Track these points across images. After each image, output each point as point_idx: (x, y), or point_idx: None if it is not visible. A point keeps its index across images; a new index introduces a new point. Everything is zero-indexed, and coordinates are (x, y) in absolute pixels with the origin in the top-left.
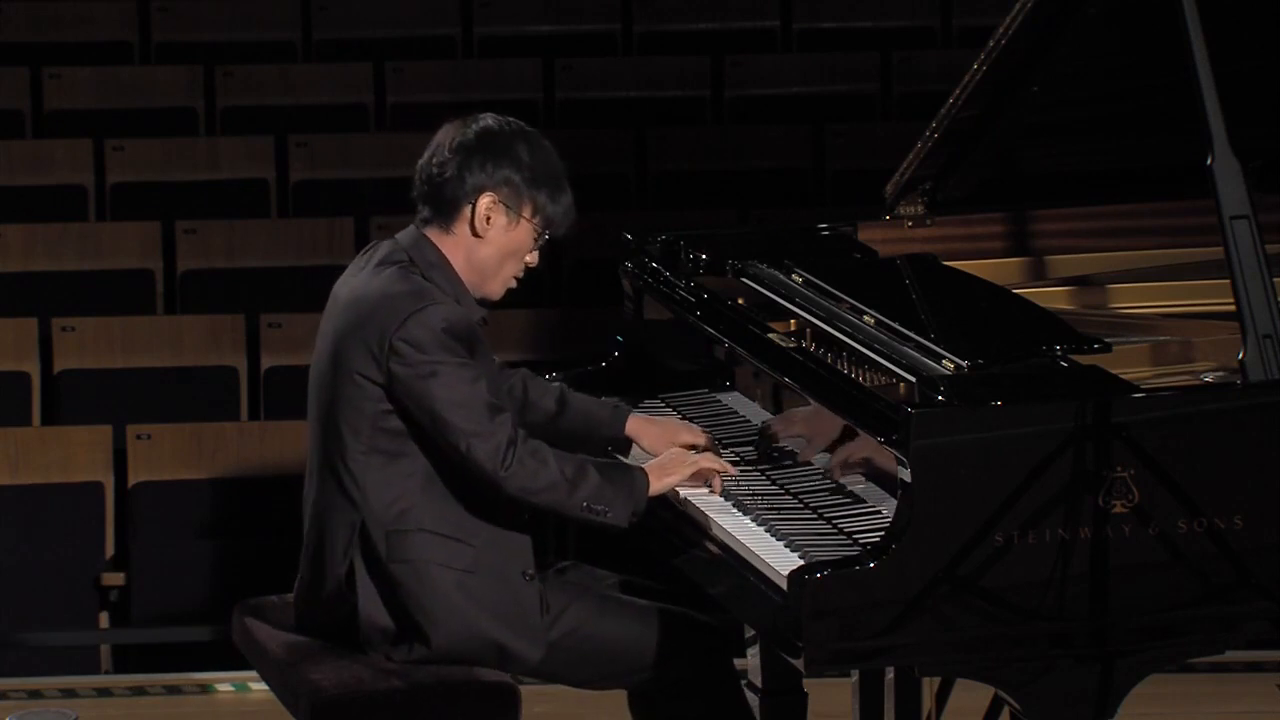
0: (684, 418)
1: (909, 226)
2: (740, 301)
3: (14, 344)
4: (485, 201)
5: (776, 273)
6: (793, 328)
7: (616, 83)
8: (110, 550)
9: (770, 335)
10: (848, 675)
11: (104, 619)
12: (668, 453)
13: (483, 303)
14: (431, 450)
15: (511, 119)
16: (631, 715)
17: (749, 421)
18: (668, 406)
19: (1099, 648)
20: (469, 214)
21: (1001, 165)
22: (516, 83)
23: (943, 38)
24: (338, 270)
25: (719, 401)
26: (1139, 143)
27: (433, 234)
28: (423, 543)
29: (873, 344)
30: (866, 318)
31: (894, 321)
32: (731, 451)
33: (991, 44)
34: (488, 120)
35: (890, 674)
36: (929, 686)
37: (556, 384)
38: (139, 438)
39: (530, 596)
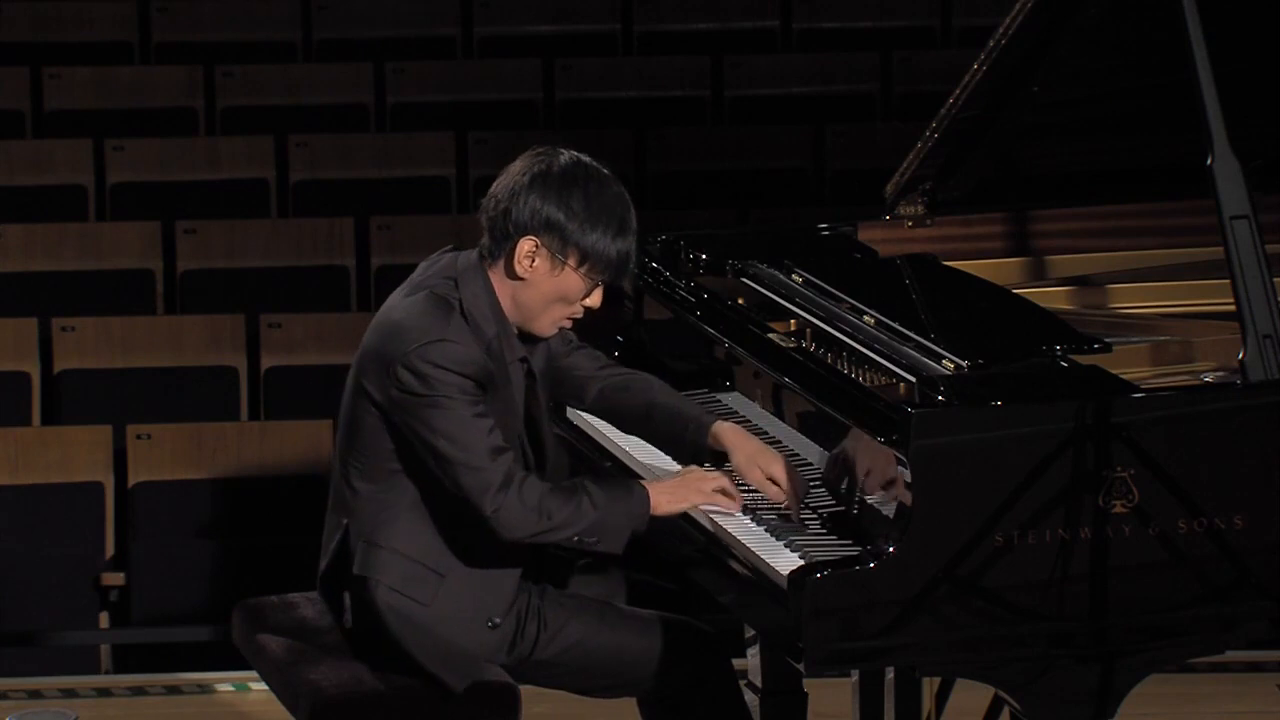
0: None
1: (909, 226)
2: (740, 301)
3: (14, 344)
4: (526, 245)
5: (776, 273)
6: (793, 328)
7: (616, 83)
8: (110, 550)
9: (770, 335)
10: (848, 675)
11: (104, 619)
12: (681, 475)
13: (530, 339)
14: (424, 477)
15: (585, 158)
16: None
17: (749, 421)
18: None
19: (1099, 648)
20: (511, 253)
21: (1001, 165)
22: (516, 83)
23: (943, 38)
24: (338, 270)
25: (719, 401)
26: (1139, 143)
27: (486, 264)
28: (386, 562)
29: (873, 344)
30: (866, 318)
31: (894, 321)
32: None
33: (991, 44)
34: (554, 158)
35: (890, 674)
36: (929, 686)
37: (648, 385)
38: (139, 438)
39: (485, 643)
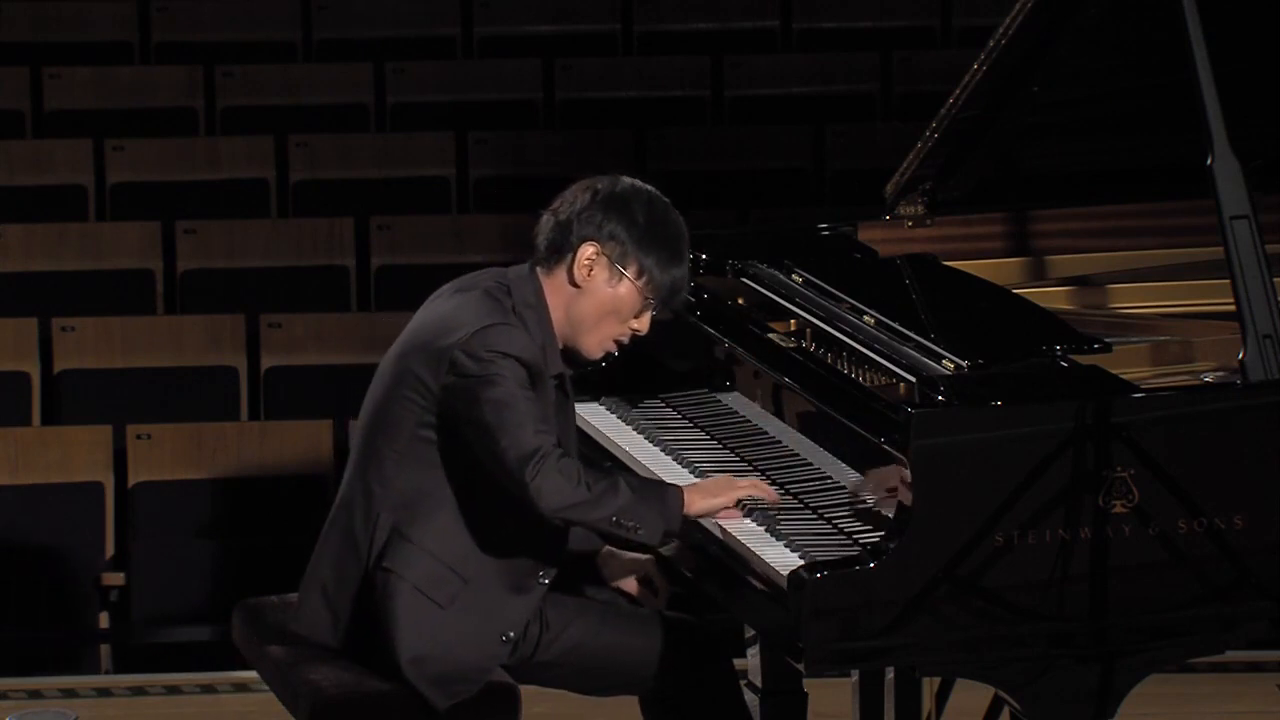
0: (684, 417)
1: (909, 226)
2: (740, 301)
3: (14, 344)
4: (588, 250)
5: (776, 273)
6: (793, 328)
7: (616, 83)
8: (110, 550)
9: (770, 335)
10: (848, 675)
11: (104, 619)
12: (713, 477)
13: (572, 361)
14: (465, 475)
15: (647, 185)
16: (643, 717)
17: (749, 421)
18: (668, 406)
19: (1099, 648)
20: (571, 260)
21: (1001, 165)
22: (516, 83)
23: (943, 38)
24: (338, 270)
25: (719, 401)
26: (1139, 143)
27: (541, 274)
28: (411, 557)
29: (873, 344)
30: (866, 318)
31: (894, 321)
32: (731, 452)
33: (991, 44)
34: (619, 180)
35: (890, 674)
36: (929, 686)
37: None
38: (139, 438)
39: (493, 655)
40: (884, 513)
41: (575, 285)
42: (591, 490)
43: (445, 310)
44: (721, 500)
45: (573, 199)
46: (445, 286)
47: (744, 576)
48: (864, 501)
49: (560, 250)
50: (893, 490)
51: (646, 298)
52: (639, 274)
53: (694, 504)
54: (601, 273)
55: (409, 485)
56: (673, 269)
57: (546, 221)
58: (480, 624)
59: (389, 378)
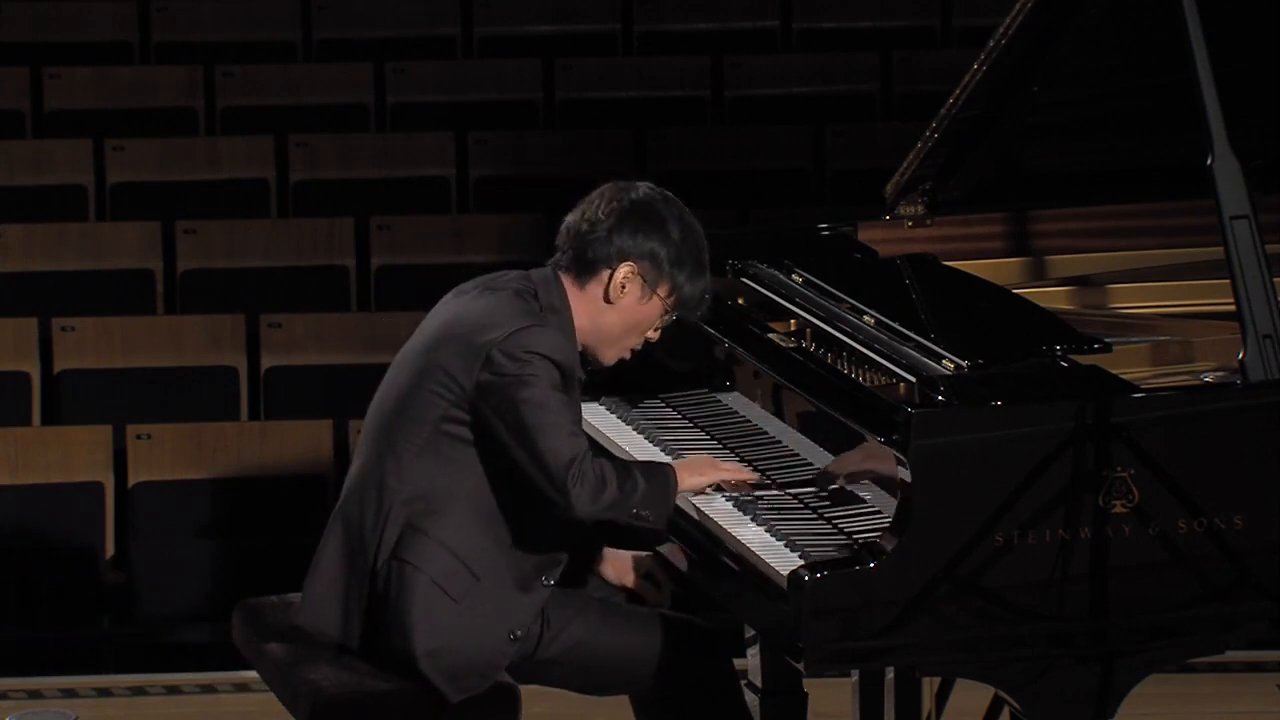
0: (684, 417)
1: (909, 226)
2: (740, 301)
3: (14, 344)
4: (625, 270)
5: (776, 273)
6: (793, 328)
7: (616, 83)
8: (110, 550)
9: (770, 335)
10: (848, 675)
11: (104, 619)
12: (694, 455)
13: (585, 365)
14: (488, 468)
15: (667, 192)
16: (636, 718)
17: (749, 421)
18: (668, 406)
19: (1099, 648)
20: (606, 278)
21: (1001, 165)
22: (516, 83)
23: (943, 38)
24: (338, 270)
25: (719, 401)
26: (1139, 143)
27: (567, 281)
28: (428, 551)
29: (873, 344)
30: (866, 318)
31: (894, 321)
32: (730, 452)
33: (991, 44)
34: (646, 190)
35: (890, 674)
36: (929, 686)
37: None
38: (139, 438)
39: (502, 653)
40: (884, 512)
41: (608, 301)
42: (621, 489)
43: (478, 307)
44: (707, 479)
45: (604, 209)
46: (468, 284)
47: (744, 576)
48: (864, 501)
49: (593, 265)
50: (893, 490)
51: (669, 313)
52: (670, 293)
53: (683, 481)
54: (634, 291)
55: (426, 479)
56: (700, 282)
57: (573, 227)
58: (490, 621)
59: (412, 372)
